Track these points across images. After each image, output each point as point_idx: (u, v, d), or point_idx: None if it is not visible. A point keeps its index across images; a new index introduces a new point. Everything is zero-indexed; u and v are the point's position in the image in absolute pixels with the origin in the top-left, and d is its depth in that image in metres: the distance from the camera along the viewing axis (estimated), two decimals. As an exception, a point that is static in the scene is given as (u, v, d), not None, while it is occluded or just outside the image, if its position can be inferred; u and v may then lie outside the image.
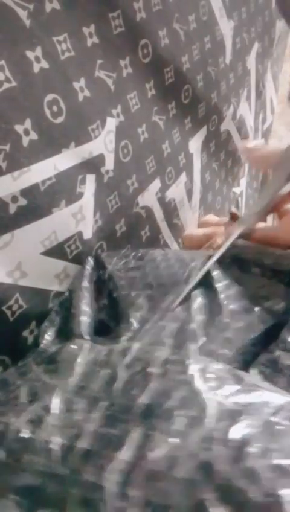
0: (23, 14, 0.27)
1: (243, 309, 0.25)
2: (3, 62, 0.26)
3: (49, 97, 0.29)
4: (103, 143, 0.35)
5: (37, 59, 0.28)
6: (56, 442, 0.18)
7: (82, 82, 0.32)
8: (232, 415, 0.16)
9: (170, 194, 0.46)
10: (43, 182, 0.29)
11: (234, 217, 0.35)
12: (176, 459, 0.15)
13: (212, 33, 0.49)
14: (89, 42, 0.32)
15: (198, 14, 0.46)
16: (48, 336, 0.28)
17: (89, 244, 0.35)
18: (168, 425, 0.17)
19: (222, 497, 0.14)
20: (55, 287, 0.32)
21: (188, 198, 0.51)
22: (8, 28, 0.26)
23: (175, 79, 0.43)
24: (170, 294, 0.27)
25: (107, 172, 0.36)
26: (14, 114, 0.27)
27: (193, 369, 0.19)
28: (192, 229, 0.41)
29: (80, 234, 0.34)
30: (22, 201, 0.28)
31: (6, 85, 0.26)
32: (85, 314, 0.28)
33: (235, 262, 0.29)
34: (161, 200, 0.45)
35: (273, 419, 0.16)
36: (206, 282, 0.27)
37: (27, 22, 0.27)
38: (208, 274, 0.28)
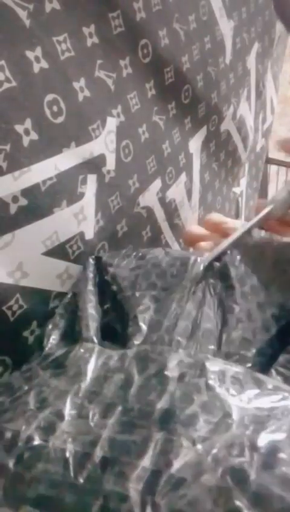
0: (23, 14, 0.27)
1: (258, 307, 0.24)
2: (3, 62, 0.26)
3: (49, 97, 0.29)
4: (103, 143, 0.35)
5: (37, 59, 0.28)
6: (71, 450, 0.17)
7: (82, 82, 0.32)
8: (259, 421, 0.16)
9: (171, 194, 0.46)
10: (44, 182, 0.29)
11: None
12: (203, 466, 0.15)
13: (212, 33, 0.49)
14: (89, 42, 0.32)
15: (198, 14, 0.46)
16: (53, 340, 0.27)
17: (91, 244, 0.35)
18: (191, 431, 0.16)
19: (258, 504, 0.13)
20: (57, 288, 0.32)
21: (188, 198, 0.51)
22: (8, 28, 0.26)
23: (175, 79, 0.43)
24: (175, 292, 0.26)
25: (108, 172, 0.36)
26: (14, 114, 0.27)
27: (212, 372, 0.19)
28: (194, 226, 0.41)
29: (81, 234, 0.33)
30: (23, 201, 0.28)
31: (6, 85, 0.26)
32: (92, 317, 0.27)
33: (248, 253, 0.28)
34: (162, 200, 0.45)
35: None
36: (221, 275, 0.27)
37: (27, 22, 0.27)
38: (224, 266, 0.27)
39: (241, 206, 0.74)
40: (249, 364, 0.21)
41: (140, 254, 0.32)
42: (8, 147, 0.27)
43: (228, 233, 0.34)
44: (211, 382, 0.18)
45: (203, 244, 0.39)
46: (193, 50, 0.46)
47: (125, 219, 0.39)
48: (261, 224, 0.34)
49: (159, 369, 0.20)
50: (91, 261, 0.33)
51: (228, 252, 0.29)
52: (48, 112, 0.29)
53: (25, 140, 0.28)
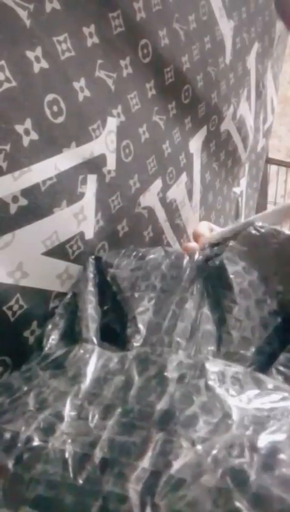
0: (23, 14, 0.27)
1: (256, 304, 0.24)
2: (3, 62, 0.26)
3: (50, 97, 0.29)
4: (104, 143, 0.35)
5: (37, 59, 0.28)
6: (70, 450, 0.17)
7: (82, 82, 0.32)
8: (259, 421, 0.16)
9: (171, 194, 0.46)
10: (44, 182, 0.29)
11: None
12: (203, 467, 0.15)
13: (212, 33, 0.49)
14: (89, 42, 0.32)
15: (198, 14, 0.46)
16: (52, 340, 0.27)
17: (91, 244, 0.35)
18: (191, 431, 0.16)
19: (258, 505, 0.13)
20: (57, 288, 0.32)
21: (188, 198, 0.51)
22: (8, 28, 0.26)
23: (175, 79, 0.43)
24: (174, 294, 0.26)
25: (109, 172, 0.36)
26: (15, 114, 0.27)
27: (212, 373, 0.19)
28: (202, 226, 0.41)
29: (81, 234, 0.33)
30: (23, 201, 0.28)
31: (6, 85, 0.26)
32: (92, 318, 0.27)
33: (251, 244, 0.28)
34: (163, 201, 0.45)
35: None
36: (218, 274, 0.27)
37: (27, 22, 0.27)
38: (221, 264, 0.27)
39: (241, 206, 0.74)
40: (249, 363, 0.21)
41: (140, 254, 0.32)
42: (8, 147, 0.26)
43: (202, 247, 0.34)
44: (210, 383, 0.18)
45: (190, 244, 0.39)
46: (193, 50, 0.46)
47: (126, 219, 0.39)
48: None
49: (158, 371, 0.20)
50: (91, 261, 0.32)
51: (227, 247, 0.29)
52: (48, 111, 0.29)
53: (25, 140, 0.28)
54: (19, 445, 0.18)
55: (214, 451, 0.15)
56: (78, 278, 0.32)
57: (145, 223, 0.42)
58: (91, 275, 0.31)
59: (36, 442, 0.18)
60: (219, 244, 0.30)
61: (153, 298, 0.26)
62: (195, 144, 0.51)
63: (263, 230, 0.29)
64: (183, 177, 0.49)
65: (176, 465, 0.15)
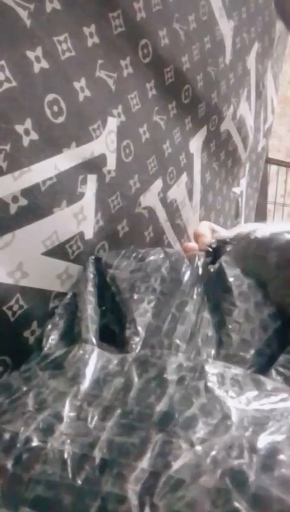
0: (23, 14, 0.27)
1: (256, 306, 0.24)
2: (3, 62, 0.26)
3: (50, 97, 0.29)
4: (104, 143, 0.35)
5: (38, 59, 0.28)
6: (70, 451, 0.17)
7: (83, 82, 0.32)
8: (258, 422, 0.16)
9: (172, 194, 0.46)
10: (44, 182, 0.29)
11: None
12: (202, 467, 0.15)
13: (212, 33, 0.49)
14: (90, 42, 0.32)
15: (198, 14, 0.46)
16: (52, 340, 0.27)
17: (91, 244, 0.35)
18: (190, 433, 0.16)
19: (257, 506, 0.13)
20: (57, 288, 0.32)
21: (189, 198, 0.51)
22: (8, 27, 0.26)
23: (175, 79, 0.43)
24: (174, 297, 0.26)
25: (109, 172, 0.36)
26: (15, 114, 0.27)
27: (211, 374, 0.19)
28: (203, 227, 0.41)
29: (81, 234, 0.33)
30: (23, 201, 0.28)
31: (6, 85, 0.26)
32: (92, 318, 0.27)
33: (249, 250, 0.28)
34: (163, 201, 0.45)
35: None
36: (217, 278, 0.27)
37: (28, 22, 0.27)
38: (220, 268, 0.27)
39: (241, 206, 0.74)
40: (249, 366, 0.21)
41: (140, 256, 0.32)
42: (8, 147, 0.26)
43: (202, 247, 0.34)
44: (210, 384, 0.18)
45: (190, 244, 0.39)
46: (193, 50, 0.46)
47: (126, 219, 0.39)
48: None
49: (158, 373, 0.20)
50: (91, 261, 0.32)
51: (226, 250, 0.29)
52: (48, 111, 0.29)
53: (25, 140, 0.28)
54: (18, 445, 0.18)
55: (213, 452, 0.15)
56: (78, 278, 0.32)
57: (146, 223, 0.42)
58: (91, 275, 0.31)
59: (35, 443, 0.18)
60: (220, 247, 0.30)
61: (153, 301, 0.27)
62: (195, 144, 0.51)
63: (261, 235, 0.29)
64: (184, 177, 0.49)
65: (175, 465, 0.15)
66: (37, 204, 0.29)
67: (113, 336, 0.26)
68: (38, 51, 0.28)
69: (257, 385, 0.18)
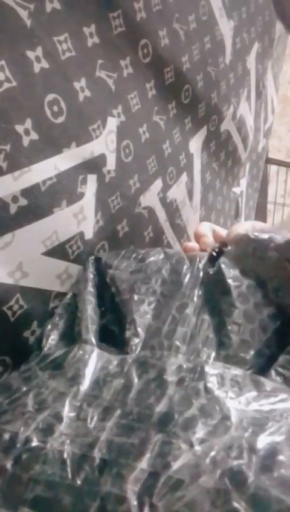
0: (23, 14, 0.27)
1: (255, 307, 0.24)
2: (3, 62, 0.26)
3: (50, 97, 0.29)
4: (104, 143, 0.35)
5: (38, 59, 0.28)
6: (69, 451, 0.17)
7: (83, 82, 0.32)
8: (258, 423, 0.16)
9: (172, 194, 0.46)
10: (44, 182, 0.29)
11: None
12: (201, 468, 0.15)
13: (212, 33, 0.49)
14: (90, 42, 0.32)
15: (198, 14, 0.46)
16: (52, 340, 0.27)
17: (91, 244, 0.35)
18: (190, 433, 0.16)
19: (256, 506, 0.13)
20: (57, 288, 0.32)
21: (189, 198, 0.51)
22: (8, 27, 0.26)
23: (175, 79, 0.43)
24: (175, 299, 0.26)
25: (108, 172, 0.36)
26: (15, 114, 0.27)
27: (211, 375, 0.19)
28: (204, 227, 0.41)
29: (81, 234, 0.33)
30: (23, 201, 0.28)
31: (6, 85, 0.26)
32: (92, 319, 0.27)
33: (248, 250, 0.28)
34: (163, 201, 0.45)
35: None
36: (216, 279, 0.27)
37: (28, 22, 0.27)
38: (219, 269, 0.27)
39: (241, 206, 0.74)
40: (248, 366, 0.21)
41: (140, 257, 0.32)
42: (8, 147, 0.26)
43: (204, 248, 0.34)
44: (210, 385, 0.18)
45: (190, 244, 0.39)
46: (193, 50, 0.46)
47: (126, 219, 0.39)
48: None
49: (158, 374, 0.20)
50: (91, 261, 0.32)
51: (224, 251, 0.29)
52: (48, 111, 0.29)
53: (25, 140, 0.28)
54: (18, 445, 0.18)
55: (213, 453, 0.15)
56: (78, 278, 0.32)
57: (146, 223, 0.42)
58: (91, 276, 0.31)
59: (35, 443, 0.18)
60: (221, 248, 0.30)
61: (153, 302, 0.27)
62: (195, 144, 0.51)
63: (260, 236, 0.29)
64: (184, 177, 0.49)
65: (175, 466, 0.15)
66: (37, 204, 0.29)
67: (112, 337, 0.26)
68: (39, 51, 0.28)
69: (257, 386, 0.18)
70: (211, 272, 0.28)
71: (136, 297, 0.27)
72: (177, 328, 0.24)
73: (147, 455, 0.16)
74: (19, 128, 0.27)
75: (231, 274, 0.27)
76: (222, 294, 0.26)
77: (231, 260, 0.28)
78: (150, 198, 0.42)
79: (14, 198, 0.27)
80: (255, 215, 0.88)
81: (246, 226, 0.39)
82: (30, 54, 0.27)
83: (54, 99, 0.30)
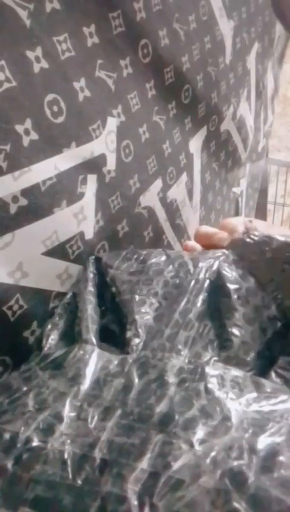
0: (23, 14, 0.27)
1: (255, 309, 0.24)
2: (3, 62, 0.26)
3: (50, 97, 0.29)
4: (104, 143, 0.35)
5: (37, 59, 0.28)
6: (70, 451, 0.17)
7: (82, 82, 0.32)
8: (258, 424, 0.16)
9: (172, 194, 0.46)
10: (44, 182, 0.29)
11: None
12: (201, 468, 0.15)
13: (212, 33, 0.49)
14: (89, 42, 0.32)
15: (198, 14, 0.46)
16: (52, 340, 0.27)
17: (91, 244, 0.35)
18: (190, 434, 0.16)
19: (256, 507, 0.14)
20: (57, 288, 0.32)
21: (189, 198, 0.51)
22: (8, 27, 0.26)
23: (175, 79, 0.43)
24: (177, 303, 0.26)
25: (109, 172, 0.36)
26: (15, 114, 0.27)
27: (211, 376, 0.19)
28: (206, 227, 0.41)
29: (81, 234, 0.33)
30: (23, 201, 0.28)
31: (6, 85, 0.26)
32: (92, 319, 0.27)
33: (246, 253, 0.28)
34: (163, 200, 0.45)
35: None
36: (217, 281, 0.27)
37: (27, 22, 0.27)
38: (219, 273, 0.27)
39: (241, 205, 0.74)
40: (249, 368, 0.21)
41: (141, 258, 0.31)
42: (8, 147, 0.26)
43: (220, 244, 0.34)
44: (210, 386, 0.18)
45: (191, 243, 0.39)
46: (193, 50, 0.46)
47: (126, 219, 0.39)
48: None
49: (159, 375, 0.20)
50: (91, 261, 0.32)
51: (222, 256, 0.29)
52: (48, 111, 0.29)
53: (25, 140, 0.28)
54: (18, 445, 0.18)
55: (213, 453, 0.15)
56: (78, 278, 0.32)
57: (146, 223, 0.42)
58: (91, 275, 0.31)
59: (35, 443, 0.18)
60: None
61: (154, 304, 0.27)
62: (195, 144, 0.51)
63: (256, 238, 0.29)
64: (184, 177, 0.49)
65: (175, 466, 0.15)
66: (37, 204, 0.29)
67: (113, 336, 0.26)
68: (38, 51, 0.28)
69: (257, 387, 0.18)
70: (212, 279, 0.28)
71: (137, 297, 0.27)
72: (180, 331, 0.24)
73: (148, 455, 0.16)
74: (19, 128, 0.27)
75: (231, 277, 0.27)
76: (222, 297, 0.26)
77: (230, 263, 0.28)
78: (150, 198, 0.42)
79: (14, 198, 0.27)
80: (255, 215, 0.88)
81: (239, 219, 0.40)
82: (30, 54, 0.27)
83: (54, 99, 0.30)
